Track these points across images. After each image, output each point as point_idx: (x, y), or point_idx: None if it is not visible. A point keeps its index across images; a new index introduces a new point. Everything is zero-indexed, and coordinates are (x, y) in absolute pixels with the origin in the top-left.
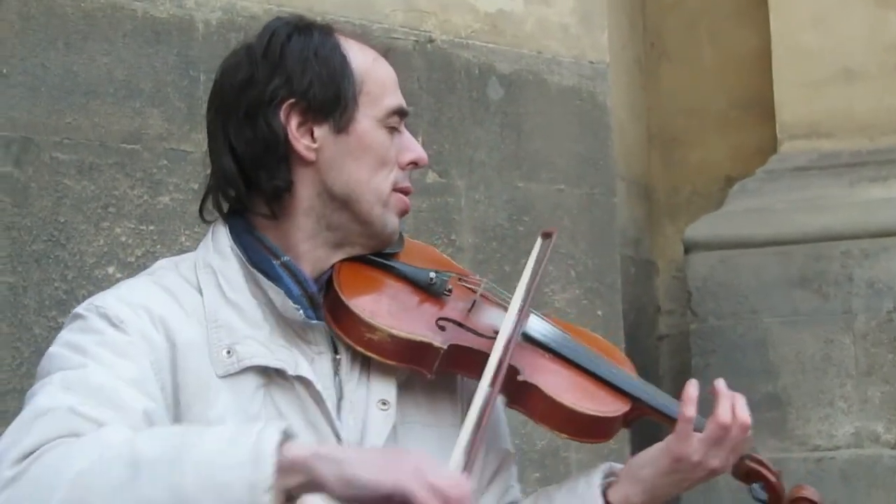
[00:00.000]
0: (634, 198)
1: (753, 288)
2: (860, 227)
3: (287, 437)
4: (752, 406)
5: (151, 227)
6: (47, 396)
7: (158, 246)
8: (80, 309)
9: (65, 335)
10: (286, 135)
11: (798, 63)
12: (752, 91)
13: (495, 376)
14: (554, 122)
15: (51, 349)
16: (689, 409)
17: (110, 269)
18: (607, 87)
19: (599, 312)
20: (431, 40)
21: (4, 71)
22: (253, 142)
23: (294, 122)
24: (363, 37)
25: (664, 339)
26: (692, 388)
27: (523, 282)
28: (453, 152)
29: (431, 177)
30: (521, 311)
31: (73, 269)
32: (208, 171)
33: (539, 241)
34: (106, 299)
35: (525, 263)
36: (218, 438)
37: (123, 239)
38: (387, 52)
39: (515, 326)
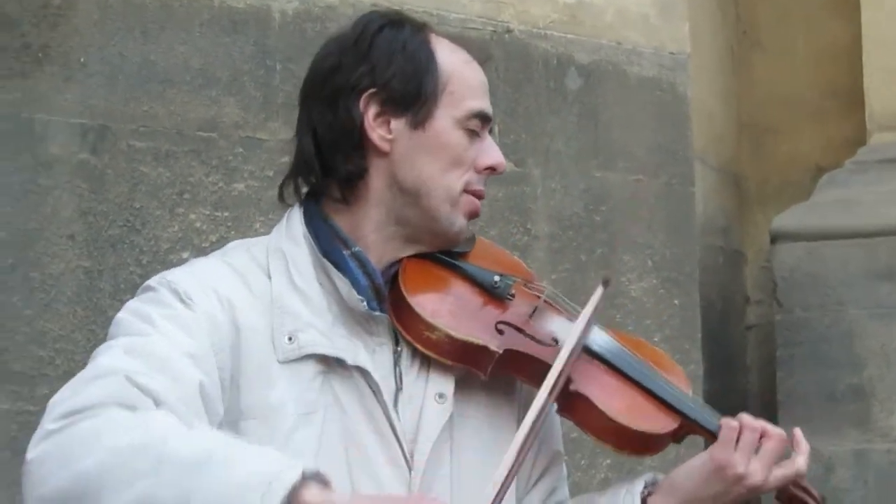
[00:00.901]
0: (724, 187)
1: (840, 279)
2: None
3: (311, 479)
4: (836, 397)
5: (226, 214)
6: (109, 358)
7: (233, 232)
8: (151, 281)
9: (134, 304)
10: (362, 123)
11: (888, 54)
12: (845, 81)
13: (551, 392)
14: (632, 112)
15: (119, 315)
16: (732, 420)
17: (185, 255)
18: (687, 77)
19: (676, 302)
20: (509, 31)
21: (82, 60)
22: (332, 126)
23: (372, 112)
24: (460, 40)
25: (752, 330)
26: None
27: (592, 299)
28: (530, 142)
29: (507, 166)
30: (585, 328)
31: (147, 254)
32: (289, 157)
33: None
34: (177, 275)
35: (600, 253)
36: (243, 461)
37: (198, 225)
38: (485, 60)
39: (578, 342)
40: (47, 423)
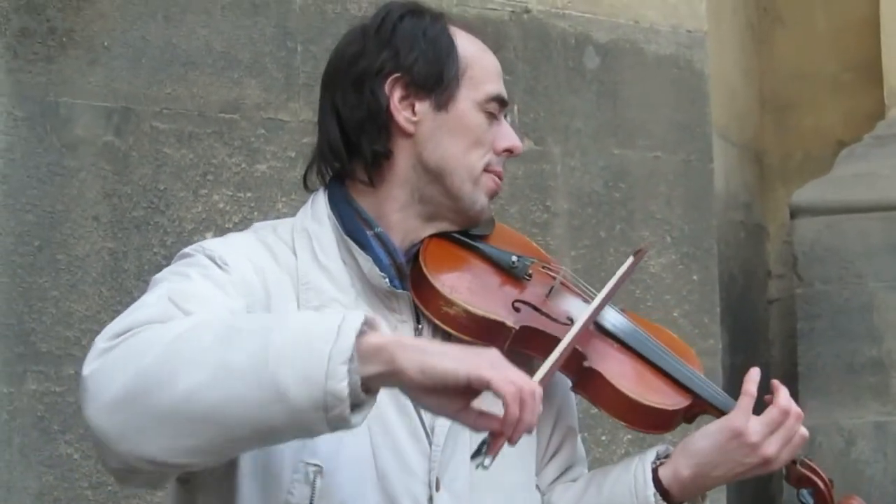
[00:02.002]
0: (746, 162)
1: (859, 253)
2: None
3: (371, 326)
4: (856, 370)
5: (249, 195)
6: (152, 295)
7: (256, 213)
8: (187, 249)
9: (171, 267)
10: (388, 105)
11: None
12: (865, 56)
13: (569, 345)
14: (650, 90)
15: (156, 276)
16: (752, 386)
17: (208, 235)
18: (705, 54)
19: (695, 277)
20: (528, 11)
21: (106, 44)
22: (357, 108)
23: (397, 95)
24: (473, 29)
25: (774, 303)
26: (755, 371)
27: (615, 277)
28: (549, 120)
29: (527, 144)
30: (604, 299)
31: (171, 235)
32: (313, 141)
33: (631, 258)
34: (212, 243)
35: (619, 229)
36: (307, 317)
37: (221, 206)
38: (496, 50)
39: (594, 311)
40: (100, 343)
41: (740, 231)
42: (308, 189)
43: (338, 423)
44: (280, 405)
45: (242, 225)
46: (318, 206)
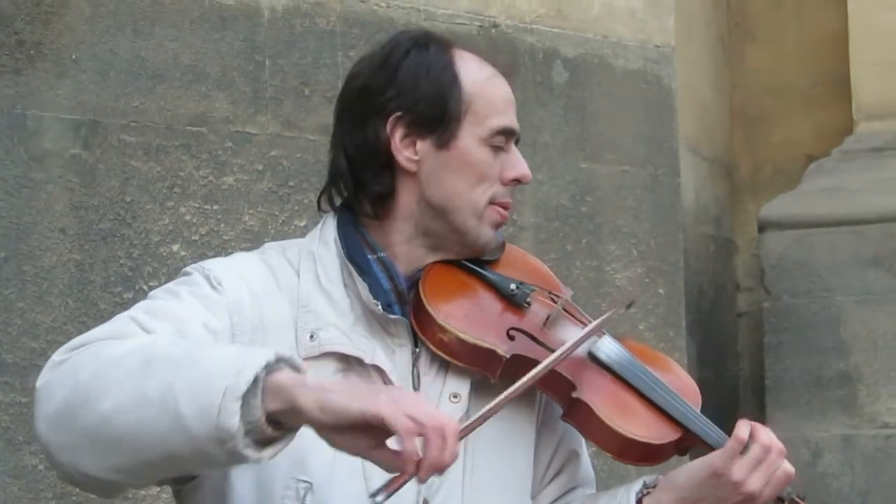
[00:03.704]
0: (716, 176)
1: (827, 267)
2: None
3: (287, 365)
4: (823, 383)
5: (216, 207)
6: (124, 313)
7: (222, 225)
8: (188, 268)
9: (169, 284)
10: (390, 145)
11: (875, 43)
12: (836, 71)
13: (537, 372)
14: (618, 104)
15: (152, 292)
16: (744, 432)
17: (175, 247)
18: (672, 70)
19: (661, 291)
20: (496, 25)
21: (74, 56)
22: (362, 146)
23: (399, 134)
24: (487, 52)
25: (743, 317)
26: (745, 422)
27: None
28: None
29: None
30: (591, 329)
31: (138, 247)
32: (280, 154)
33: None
34: (213, 263)
35: (585, 243)
36: (228, 352)
37: (188, 218)
38: (509, 72)
39: (579, 339)
40: (56, 356)
41: (710, 244)
42: (321, 210)
43: (235, 457)
44: (181, 436)
45: (209, 237)
46: (327, 230)
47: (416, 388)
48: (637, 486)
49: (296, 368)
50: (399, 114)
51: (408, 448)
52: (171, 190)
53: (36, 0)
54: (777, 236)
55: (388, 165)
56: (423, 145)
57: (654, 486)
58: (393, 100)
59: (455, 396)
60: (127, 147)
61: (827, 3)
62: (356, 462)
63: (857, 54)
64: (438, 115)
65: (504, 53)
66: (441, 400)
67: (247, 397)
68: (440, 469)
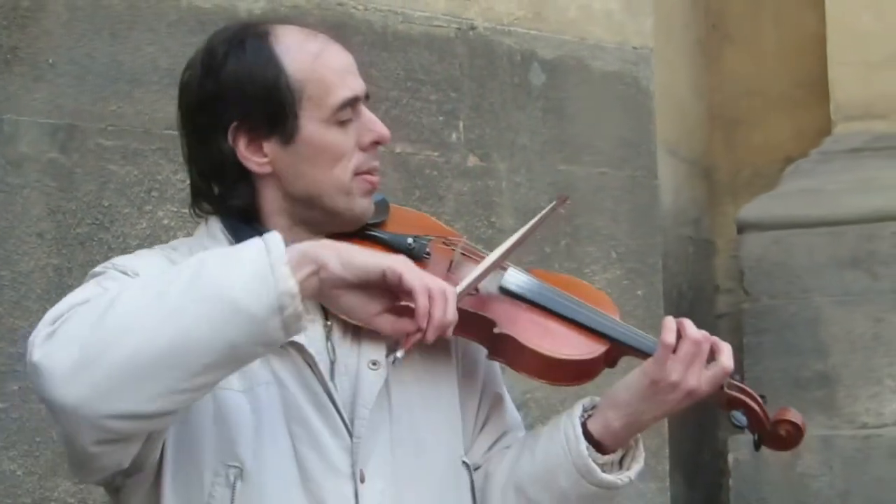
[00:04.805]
0: (695, 178)
1: (806, 268)
2: None
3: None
4: (802, 384)
5: None
6: (77, 289)
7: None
8: (97, 268)
9: (85, 285)
10: (236, 157)
11: (853, 45)
12: (814, 73)
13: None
14: (596, 106)
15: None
16: (670, 335)
17: None
18: (650, 71)
19: (640, 293)
20: (473, 27)
21: (51, 61)
22: (210, 163)
23: (242, 143)
24: (306, 23)
25: (723, 318)
26: (670, 320)
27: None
28: (494, 136)
29: (472, 160)
30: (520, 238)
31: (116, 252)
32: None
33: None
34: (122, 258)
35: (564, 245)
36: (226, 249)
37: (166, 222)
38: (336, 34)
39: (513, 244)
40: (42, 329)
41: (689, 246)
42: (198, 216)
43: (292, 324)
44: (236, 318)
45: None
46: (213, 227)
47: (332, 359)
48: (577, 410)
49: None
50: (235, 123)
51: (422, 304)
52: (149, 194)
53: (12, 4)
54: (756, 237)
55: (243, 175)
56: (270, 146)
57: (593, 408)
58: (225, 112)
59: (374, 364)
60: (104, 151)
61: (805, 4)
62: (285, 444)
63: (836, 56)
64: (274, 114)
65: (481, 56)
66: (360, 369)
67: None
68: (445, 327)
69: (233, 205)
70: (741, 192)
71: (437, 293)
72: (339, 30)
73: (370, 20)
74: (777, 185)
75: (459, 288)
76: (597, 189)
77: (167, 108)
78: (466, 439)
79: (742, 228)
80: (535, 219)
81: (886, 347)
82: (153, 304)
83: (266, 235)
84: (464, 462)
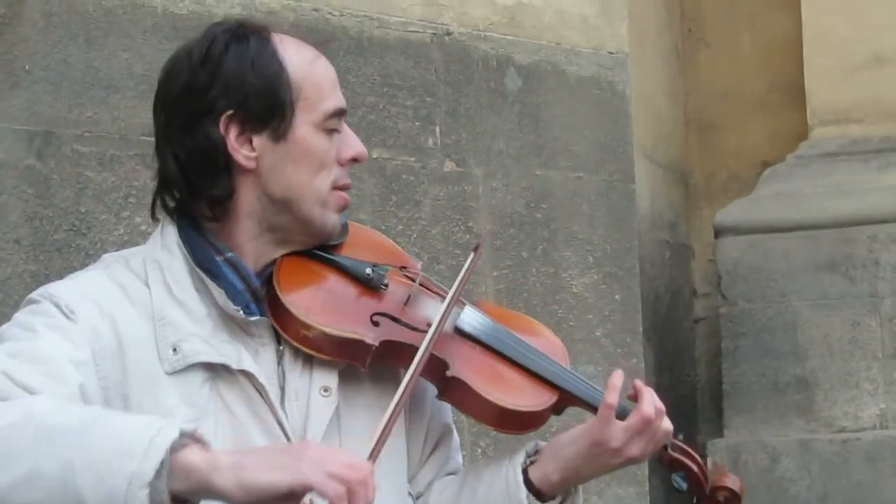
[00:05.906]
0: (671, 182)
1: (782, 272)
2: (887, 212)
3: (190, 439)
4: (780, 388)
5: None
6: None
7: None
8: (34, 294)
9: (18, 316)
10: (225, 146)
11: (828, 49)
12: (789, 77)
13: (415, 369)
14: (572, 111)
15: (2, 327)
16: (612, 396)
17: None
18: (626, 76)
19: (617, 297)
20: (449, 33)
21: (27, 67)
22: (193, 151)
23: (233, 133)
24: (301, 32)
25: (700, 322)
26: (616, 378)
27: (458, 278)
28: (471, 141)
29: (449, 165)
30: (449, 305)
31: (93, 258)
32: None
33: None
34: (59, 288)
35: (540, 250)
36: (125, 426)
37: (143, 228)
38: (325, 45)
39: (441, 320)
40: None
41: (666, 250)
42: (156, 219)
43: None
44: None
45: None
46: (168, 236)
47: (282, 385)
48: (520, 457)
49: (199, 441)
50: (230, 112)
51: None
52: (126, 200)
53: None
54: (732, 242)
55: (226, 167)
56: (260, 140)
57: (535, 453)
58: (220, 98)
59: (325, 390)
60: (81, 157)
61: (780, 9)
62: None
63: (811, 60)
64: (271, 108)
65: (456, 62)
66: (312, 396)
67: (153, 481)
68: None
69: (210, 195)
70: (718, 196)
71: (357, 486)
72: (321, 40)
73: (346, 25)
74: (754, 189)
75: (371, 449)
76: (573, 194)
77: (143, 115)
78: (412, 468)
79: (719, 232)
80: (461, 275)
81: (864, 351)
82: (29, 459)
83: (161, 431)
84: (409, 493)
